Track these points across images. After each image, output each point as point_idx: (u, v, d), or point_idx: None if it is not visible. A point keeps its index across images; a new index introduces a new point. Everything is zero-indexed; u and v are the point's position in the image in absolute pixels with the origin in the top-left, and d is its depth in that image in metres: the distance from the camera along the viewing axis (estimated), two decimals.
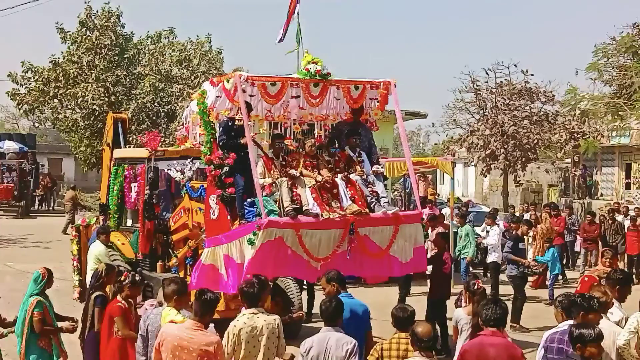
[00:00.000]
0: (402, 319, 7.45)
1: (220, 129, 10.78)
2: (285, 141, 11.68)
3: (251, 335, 7.39)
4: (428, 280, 14.04)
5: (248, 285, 7.77)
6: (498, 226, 18.10)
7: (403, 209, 17.10)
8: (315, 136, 12.35)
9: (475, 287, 9.42)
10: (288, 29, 14.36)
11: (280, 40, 14.26)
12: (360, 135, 11.84)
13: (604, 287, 8.11)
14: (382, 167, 12.20)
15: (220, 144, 10.61)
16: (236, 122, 10.68)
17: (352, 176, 11.01)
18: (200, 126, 11.12)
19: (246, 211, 10.26)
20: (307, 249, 10.01)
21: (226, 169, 10.36)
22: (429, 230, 16.50)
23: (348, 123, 11.99)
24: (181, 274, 12.47)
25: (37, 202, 40.50)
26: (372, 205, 10.87)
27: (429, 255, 13.01)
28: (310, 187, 10.38)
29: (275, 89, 10.47)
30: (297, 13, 14.66)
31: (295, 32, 14.56)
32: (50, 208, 40.41)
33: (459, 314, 9.46)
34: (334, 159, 11.52)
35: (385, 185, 11.96)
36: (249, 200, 10.29)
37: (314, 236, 10.10)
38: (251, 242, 9.66)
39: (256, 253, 9.62)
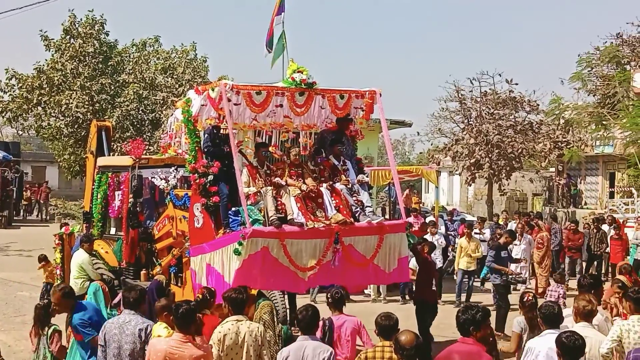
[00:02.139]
0: (386, 327, 7.43)
1: (205, 136, 10.71)
2: (270, 149, 11.68)
3: (234, 342, 7.44)
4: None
5: (235, 292, 7.85)
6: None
7: (388, 217, 17.19)
8: (301, 144, 12.32)
9: (525, 299, 9.50)
10: (273, 39, 14.39)
11: (269, 52, 14.28)
12: (344, 144, 11.85)
13: (589, 295, 8.13)
14: (367, 177, 12.19)
15: (205, 151, 10.58)
16: (221, 131, 10.64)
17: (337, 185, 10.99)
18: (184, 134, 11.09)
19: (230, 220, 10.19)
20: (292, 259, 9.93)
21: (210, 177, 10.31)
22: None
23: (332, 132, 11.98)
24: None
25: (22, 212, 39.87)
26: (356, 215, 10.84)
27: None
28: (295, 196, 10.33)
29: (260, 98, 10.38)
30: (283, 22, 14.70)
31: (278, 38, 14.60)
32: (44, 218, 39.07)
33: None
34: (319, 168, 11.49)
35: (370, 195, 11.95)
36: (233, 209, 10.24)
37: (299, 246, 10.03)
38: (237, 253, 9.55)
39: (242, 263, 9.55)
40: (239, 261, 9.56)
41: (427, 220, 20.63)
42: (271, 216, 9.99)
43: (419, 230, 18.32)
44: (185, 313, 7.07)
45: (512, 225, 21.42)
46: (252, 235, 9.58)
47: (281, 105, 10.78)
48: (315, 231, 10.16)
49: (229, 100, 10.20)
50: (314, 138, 12.36)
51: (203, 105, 10.66)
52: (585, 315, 7.60)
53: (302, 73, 10.59)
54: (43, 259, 16.25)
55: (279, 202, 10.25)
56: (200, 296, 8.82)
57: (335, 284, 10.41)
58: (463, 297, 17.50)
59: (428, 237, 18.26)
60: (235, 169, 9.95)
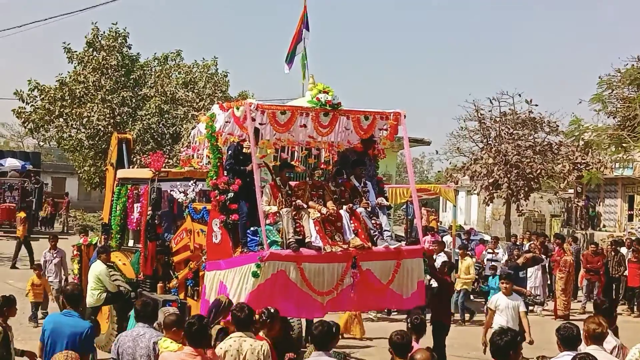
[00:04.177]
0: (400, 345, 7.39)
1: (229, 152, 10.73)
2: (293, 162, 11.70)
3: (235, 358, 7.47)
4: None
5: (237, 310, 7.92)
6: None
7: (407, 236, 17.19)
8: (322, 157, 12.33)
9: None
10: (295, 56, 14.42)
11: (289, 68, 14.31)
12: (366, 165, 11.86)
13: (599, 317, 8.08)
14: (386, 200, 12.17)
15: (227, 167, 10.61)
16: (244, 149, 10.64)
17: (357, 209, 10.97)
18: (207, 148, 11.13)
19: (249, 239, 10.19)
20: (309, 283, 9.93)
21: (231, 194, 10.29)
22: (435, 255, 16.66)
23: (355, 152, 11.99)
24: (181, 296, 12.45)
25: (43, 223, 39.74)
26: (375, 239, 10.82)
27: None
28: (314, 219, 10.31)
29: (285, 118, 10.32)
30: (304, 39, 14.72)
31: (301, 57, 14.65)
32: (64, 230, 38.90)
33: None
34: (340, 189, 11.42)
35: (388, 215, 11.93)
36: (252, 228, 10.22)
37: (316, 270, 10.03)
38: (255, 275, 9.53)
39: (258, 287, 9.55)
40: (255, 284, 9.56)
41: (443, 238, 20.64)
42: (289, 239, 9.98)
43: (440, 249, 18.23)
44: (198, 330, 7.10)
45: (526, 246, 21.30)
46: (270, 258, 9.59)
47: (305, 126, 10.78)
48: (333, 255, 10.15)
49: (254, 119, 10.21)
50: (337, 153, 12.39)
51: (227, 122, 10.70)
52: (596, 338, 7.51)
53: (327, 94, 10.53)
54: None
55: (298, 225, 10.24)
56: (257, 316, 8.73)
57: (352, 308, 10.38)
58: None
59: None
60: (255, 188, 9.97)
